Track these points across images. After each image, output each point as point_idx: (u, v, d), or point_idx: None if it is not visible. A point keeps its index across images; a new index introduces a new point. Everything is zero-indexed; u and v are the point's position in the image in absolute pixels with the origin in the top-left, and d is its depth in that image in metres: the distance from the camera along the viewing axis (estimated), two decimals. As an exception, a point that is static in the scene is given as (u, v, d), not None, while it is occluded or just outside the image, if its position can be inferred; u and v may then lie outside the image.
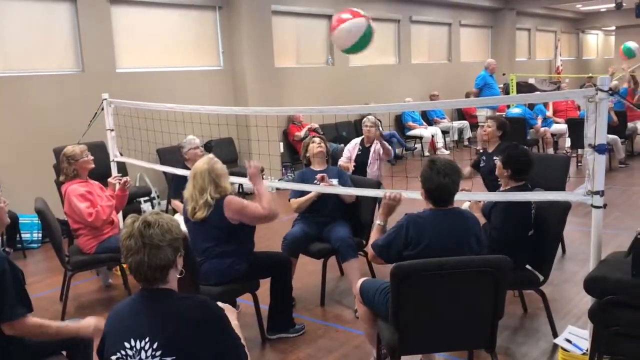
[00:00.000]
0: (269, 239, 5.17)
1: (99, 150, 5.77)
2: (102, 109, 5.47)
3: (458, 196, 3.32)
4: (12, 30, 6.56)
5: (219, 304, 2.22)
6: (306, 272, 4.79)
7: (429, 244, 2.80)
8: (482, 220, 3.66)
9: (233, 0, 8.53)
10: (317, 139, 4.79)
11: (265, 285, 3.80)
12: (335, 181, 4.52)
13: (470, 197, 3.90)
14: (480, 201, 3.80)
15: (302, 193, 4.51)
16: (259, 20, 8.66)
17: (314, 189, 4.37)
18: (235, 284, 3.61)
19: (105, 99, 5.45)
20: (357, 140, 6.11)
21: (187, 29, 8.33)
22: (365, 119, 6.10)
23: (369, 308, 3.13)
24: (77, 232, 4.48)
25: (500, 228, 3.55)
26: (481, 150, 10.24)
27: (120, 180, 4.61)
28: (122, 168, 6.16)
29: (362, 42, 4.67)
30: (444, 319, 2.70)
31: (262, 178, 3.77)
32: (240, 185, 7.76)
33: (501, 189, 3.82)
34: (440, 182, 2.85)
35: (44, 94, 6.73)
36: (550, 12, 17.36)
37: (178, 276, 2.10)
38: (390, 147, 5.91)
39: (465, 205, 4.25)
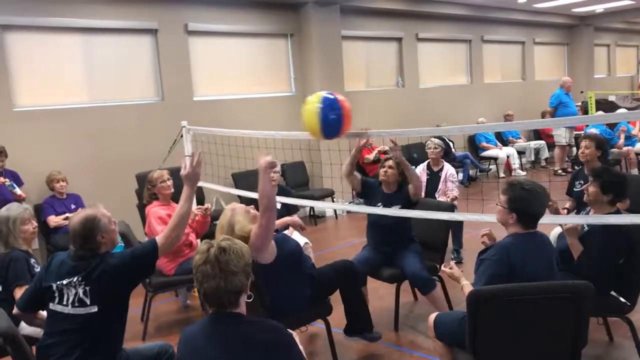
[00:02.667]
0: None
1: (178, 175, 5.98)
2: (182, 136, 5.69)
3: (551, 220, 3.20)
4: (98, 63, 6.98)
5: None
6: (378, 296, 4.76)
7: (532, 271, 2.75)
8: (579, 248, 3.48)
9: (304, 28, 8.73)
10: (386, 164, 4.51)
11: (338, 309, 3.80)
12: (396, 207, 4.30)
13: (564, 220, 3.73)
14: (578, 226, 3.61)
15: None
16: (329, 46, 8.81)
17: (373, 211, 4.33)
18: (306, 310, 3.56)
19: (184, 126, 5.67)
20: (424, 165, 5.98)
21: (259, 57, 8.58)
22: (428, 141, 5.97)
23: (443, 342, 3.05)
24: None
25: (598, 257, 3.35)
26: (569, 171, 9.89)
27: (202, 209, 4.77)
28: (200, 192, 6.37)
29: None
30: (524, 347, 2.62)
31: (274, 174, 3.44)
32: (312, 208, 7.82)
33: (592, 214, 3.61)
34: (542, 204, 2.83)
35: (127, 123, 7.09)
36: (630, 27, 16.64)
37: (247, 300, 2.14)
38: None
39: (556, 230, 4.09)
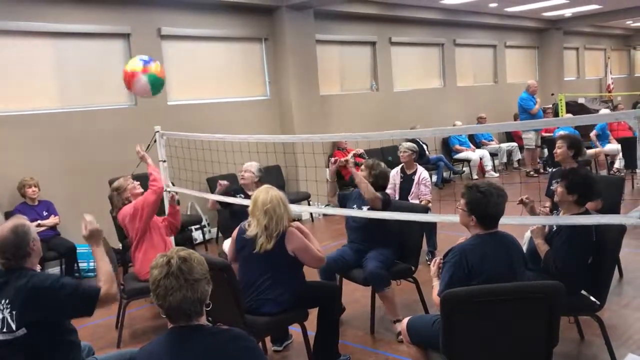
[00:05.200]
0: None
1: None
2: (155, 141, 5.65)
3: (515, 220, 3.24)
4: (70, 68, 6.89)
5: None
6: (354, 298, 4.78)
7: (490, 271, 2.78)
8: (544, 248, 3.56)
9: (278, 32, 8.73)
10: (361, 167, 4.70)
11: (313, 312, 3.81)
12: (365, 208, 4.44)
13: (526, 221, 3.80)
14: (545, 226, 3.69)
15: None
16: (303, 50, 8.83)
17: (354, 214, 4.38)
18: (284, 314, 3.58)
19: (158, 131, 5.63)
20: (397, 168, 6.07)
21: (234, 61, 8.56)
22: (400, 145, 6.09)
23: (418, 346, 3.07)
24: (135, 249, 4.61)
25: (565, 257, 3.42)
26: (541, 172, 10.05)
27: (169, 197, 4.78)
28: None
29: (155, 87, 4.87)
30: (497, 347, 2.66)
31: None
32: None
33: (562, 214, 3.71)
34: (499, 205, 2.86)
35: (100, 128, 7.00)
36: (598, 30, 17.01)
37: (206, 309, 2.10)
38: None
39: (527, 233, 4.16)
